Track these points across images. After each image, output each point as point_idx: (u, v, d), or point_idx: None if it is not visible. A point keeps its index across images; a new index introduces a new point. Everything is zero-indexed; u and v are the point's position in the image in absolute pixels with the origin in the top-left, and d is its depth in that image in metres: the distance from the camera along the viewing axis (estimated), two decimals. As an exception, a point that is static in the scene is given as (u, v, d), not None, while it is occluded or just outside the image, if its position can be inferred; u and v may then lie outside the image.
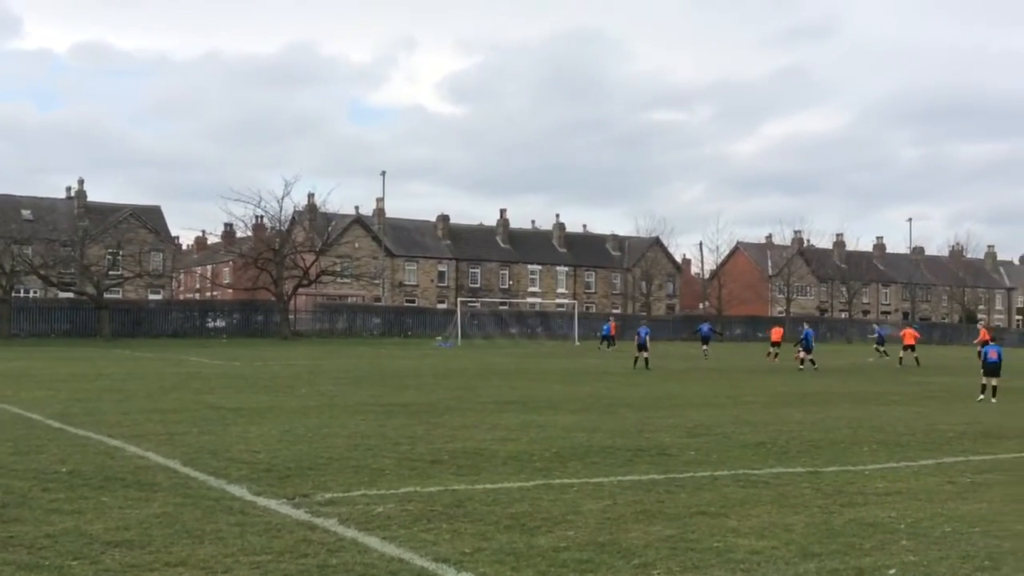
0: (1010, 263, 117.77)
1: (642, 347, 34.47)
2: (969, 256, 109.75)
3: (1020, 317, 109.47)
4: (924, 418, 18.40)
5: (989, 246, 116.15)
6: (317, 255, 65.62)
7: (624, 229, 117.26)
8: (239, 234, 74.93)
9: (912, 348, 40.48)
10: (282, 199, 65.32)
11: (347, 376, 27.94)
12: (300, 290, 65.46)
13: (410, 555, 7.07)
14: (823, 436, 15.01)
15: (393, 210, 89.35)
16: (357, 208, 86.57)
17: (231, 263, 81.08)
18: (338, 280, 72.73)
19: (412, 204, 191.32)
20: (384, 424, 15.45)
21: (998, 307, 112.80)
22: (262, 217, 68.27)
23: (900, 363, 40.18)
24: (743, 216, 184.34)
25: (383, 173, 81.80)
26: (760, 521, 8.53)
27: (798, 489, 10.20)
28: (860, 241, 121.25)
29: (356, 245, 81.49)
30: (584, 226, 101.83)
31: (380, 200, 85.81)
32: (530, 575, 6.61)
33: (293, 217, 69.98)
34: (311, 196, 77.93)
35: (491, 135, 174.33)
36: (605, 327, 56.28)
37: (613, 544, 7.54)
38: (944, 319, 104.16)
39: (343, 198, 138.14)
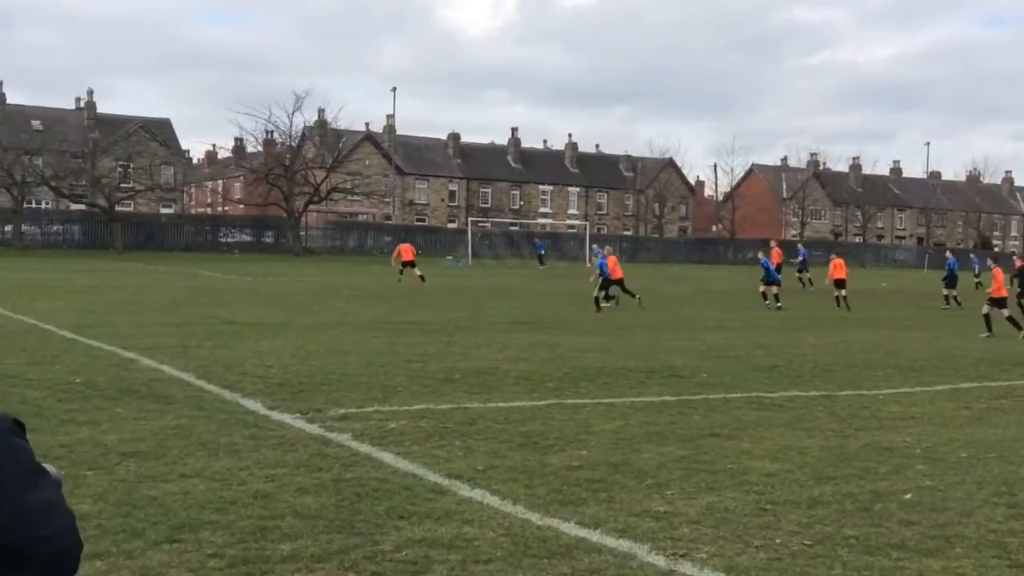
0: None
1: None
2: (986, 181, 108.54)
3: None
4: (939, 343, 18.33)
5: (1007, 171, 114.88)
6: (328, 172, 65.18)
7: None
8: (249, 149, 74.34)
9: None
10: (292, 113, 64.63)
11: (359, 293, 27.95)
12: (311, 207, 65.23)
13: (424, 471, 7.06)
14: (837, 360, 14.96)
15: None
16: (368, 125, 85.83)
17: (242, 178, 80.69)
18: (349, 197, 72.36)
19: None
20: (396, 342, 15.45)
21: (1013, 233, 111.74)
22: (272, 132, 67.66)
23: None
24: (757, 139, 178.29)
25: (394, 89, 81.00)
26: (774, 444, 8.49)
27: (812, 412, 10.15)
28: (877, 165, 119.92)
29: (367, 163, 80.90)
30: (597, 146, 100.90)
31: (391, 117, 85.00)
32: (543, 493, 6.59)
33: (303, 132, 69.42)
34: (321, 111, 77.19)
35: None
36: (539, 245, 61.55)
37: (626, 464, 7.52)
38: (959, 245, 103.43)
39: (355, 112, 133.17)
